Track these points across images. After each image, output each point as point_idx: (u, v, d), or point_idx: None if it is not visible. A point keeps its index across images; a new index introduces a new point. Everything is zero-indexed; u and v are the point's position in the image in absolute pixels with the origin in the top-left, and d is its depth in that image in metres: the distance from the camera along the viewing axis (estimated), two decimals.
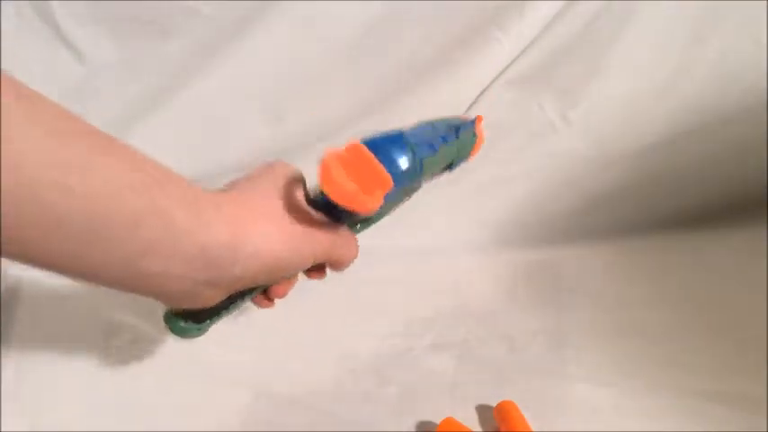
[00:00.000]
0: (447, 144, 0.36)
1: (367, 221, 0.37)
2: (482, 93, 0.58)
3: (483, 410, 0.43)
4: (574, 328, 0.51)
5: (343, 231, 0.33)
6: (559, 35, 0.56)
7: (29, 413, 0.41)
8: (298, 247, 0.29)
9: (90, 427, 0.41)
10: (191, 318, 0.31)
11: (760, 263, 0.55)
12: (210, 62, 0.56)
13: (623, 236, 0.61)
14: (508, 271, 0.59)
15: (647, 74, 0.57)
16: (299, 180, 0.32)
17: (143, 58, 0.56)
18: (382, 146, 0.30)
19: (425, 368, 0.47)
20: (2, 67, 0.54)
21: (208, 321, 0.32)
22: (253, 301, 0.34)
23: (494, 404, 0.43)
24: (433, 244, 0.62)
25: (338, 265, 0.34)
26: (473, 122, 0.40)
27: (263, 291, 0.34)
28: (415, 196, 0.62)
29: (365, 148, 0.29)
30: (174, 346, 0.46)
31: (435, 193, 0.62)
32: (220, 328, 0.33)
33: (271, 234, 0.28)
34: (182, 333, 0.31)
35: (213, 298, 0.28)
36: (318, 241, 0.30)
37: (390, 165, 0.29)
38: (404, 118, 0.58)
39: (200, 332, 0.32)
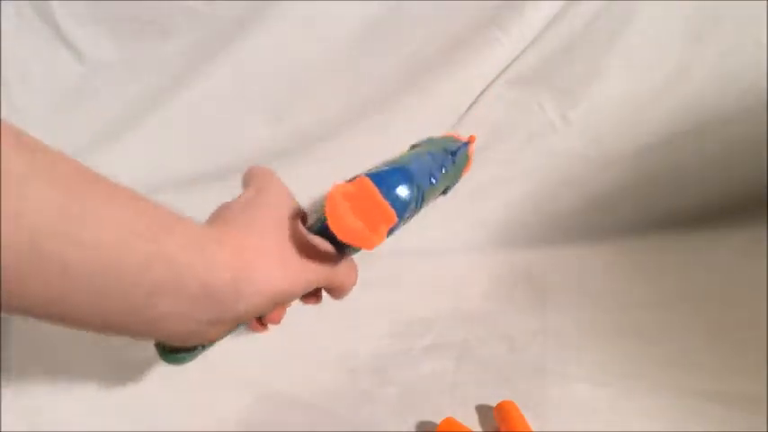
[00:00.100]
0: (446, 172, 0.37)
1: None
2: (482, 93, 0.58)
3: (483, 410, 0.43)
4: (573, 328, 0.51)
5: (343, 258, 0.33)
6: (559, 35, 0.56)
7: (29, 413, 0.41)
8: (300, 278, 0.29)
9: (90, 427, 0.41)
10: (183, 348, 0.30)
11: (760, 263, 0.55)
12: (210, 62, 0.56)
13: (623, 236, 0.61)
14: (508, 271, 0.59)
15: (646, 74, 0.57)
16: (296, 207, 0.32)
17: (143, 58, 0.56)
18: (388, 181, 0.30)
19: (425, 368, 0.47)
20: (2, 67, 0.54)
21: (200, 348, 0.31)
22: (247, 326, 0.34)
23: (494, 404, 0.43)
24: (432, 244, 0.62)
25: (338, 292, 0.34)
26: (466, 144, 0.41)
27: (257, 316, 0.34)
28: None
29: (372, 184, 0.29)
30: None
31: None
32: None
33: (273, 268, 0.28)
34: (174, 362, 0.31)
35: (218, 335, 0.28)
36: (320, 270, 0.30)
37: (395, 201, 0.30)
38: (404, 118, 0.58)
39: (192, 359, 0.32)
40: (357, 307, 0.54)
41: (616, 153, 0.59)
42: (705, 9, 0.55)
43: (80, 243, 0.20)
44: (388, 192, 0.29)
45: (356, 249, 0.33)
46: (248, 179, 0.34)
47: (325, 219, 0.31)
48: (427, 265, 0.60)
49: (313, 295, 0.35)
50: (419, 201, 0.32)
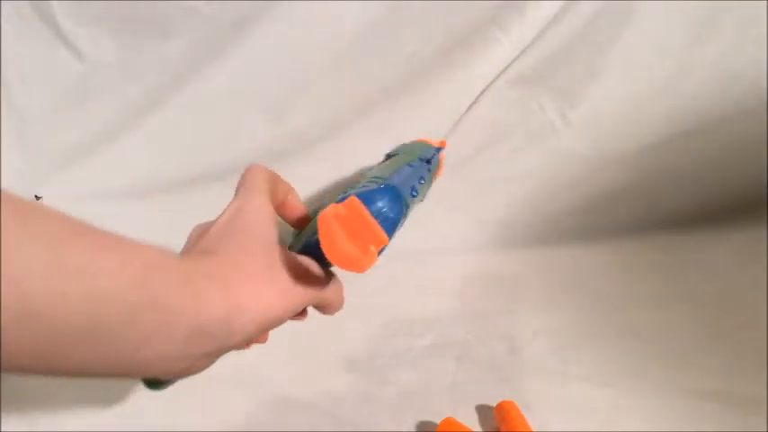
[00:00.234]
0: (424, 182, 0.38)
1: None
2: (482, 93, 0.58)
3: (483, 410, 0.43)
4: (573, 328, 0.51)
5: (330, 275, 0.33)
6: (559, 35, 0.56)
7: (29, 413, 0.41)
8: (290, 300, 0.29)
9: (90, 428, 0.41)
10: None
11: (760, 263, 0.55)
12: (210, 62, 0.56)
13: (623, 236, 0.61)
14: (508, 271, 0.59)
15: (646, 74, 0.57)
16: (276, 224, 0.31)
17: (143, 58, 0.56)
18: (378, 201, 0.30)
19: (425, 368, 0.47)
20: (2, 67, 0.54)
21: None
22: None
23: (494, 404, 0.43)
24: (432, 244, 0.62)
25: (327, 310, 0.34)
26: (439, 151, 0.42)
27: None
28: None
29: (362, 205, 0.29)
30: None
31: (435, 193, 0.63)
32: None
33: (265, 295, 0.27)
34: (157, 389, 0.31)
35: (207, 366, 0.28)
36: (309, 290, 0.30)
37: (386, 221, 0.30)
38: (404, 118, 0.58)
39: (175, 382, 0.31)
40: (357, 307, 0.54)
41: (616, 153, 0.59)
42: (705, 9, 0.55)
43: (65, 297, 0.20)
44: (379, 212, 0.30)
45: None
46: (237, 187, 0.33)
47: (311, 238, 0.31)
48: (427, 265, 0.60)
49: (299, 313, 0.34)
50: (405, 216, 0.33)
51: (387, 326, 0.52)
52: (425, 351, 0.49)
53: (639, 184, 0.61)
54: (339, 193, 0.32)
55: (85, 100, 0.58)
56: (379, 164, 0.43)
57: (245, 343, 0.28)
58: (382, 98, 0.57)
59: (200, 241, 0.29)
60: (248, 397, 0.44)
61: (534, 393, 0.44)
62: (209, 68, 0.56)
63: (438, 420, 0.41)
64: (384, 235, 0.29)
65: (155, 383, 0.30)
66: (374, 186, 0.31)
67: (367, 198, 0.29)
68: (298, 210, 0.35)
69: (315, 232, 0.29)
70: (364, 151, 0.55)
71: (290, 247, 0.33)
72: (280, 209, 0.34)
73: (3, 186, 0.56)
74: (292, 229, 0.36)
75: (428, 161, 0.40)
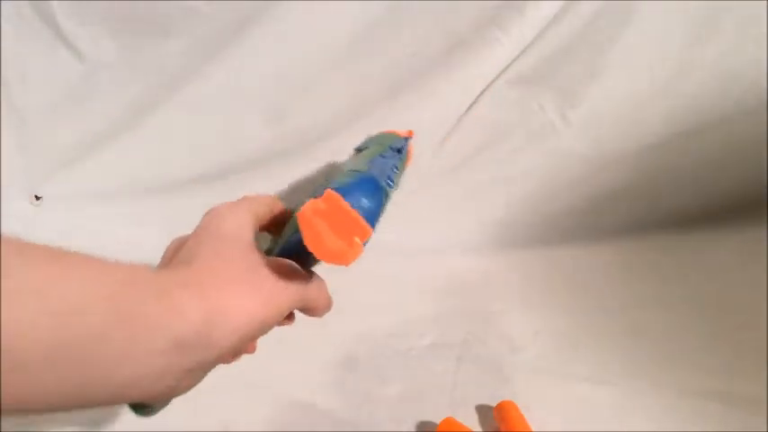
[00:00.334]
0: (398, 172, 0.37)
1: None
2: (482, 93, 0.58)
3: (483, 410, 0.43)
4: (574, 328, 0.51)
5: (312, 276, 0.31)
6: (559, 35, 0.56)
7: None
8: (274, 304, 0.27)
9: (90, 427, 0.41)
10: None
11: (760, 263, 0.55)
12: (210, 62, 0.56)
13: (623, 236, 0.61)
14: (508, 271, 0.59)
15: (646, 74, 0.57)
16: (254, 230, 0.30)
17: (143, 58, 0.56)
18: (357, 193, 0.29)
19: (425, 368, 0.47)
20: (2, 67, 0.54)
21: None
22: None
23: (494, 404, 0.43)
24: (433, 244, 0.62)
25: (315, 312, 0.32)
26: (407, 140, 0.42)
27: None
28: (415, 196, 0.62)
29: (341, 198, 0.28)
30: None
31: (435, 193, 0.63)
32: None
33: (246, 300, 0.26)
34: (146, 415, 0.30)
35: (194, 383, 0.26)
36: (292, 293, 0.29)
37: (366, 213, 0.29)
38: (404, 118, 0.58)
39: (165, 405, 0.31)
40: (357, 307, 0.54)
41: (616, 153, 0.59)
42: (705, 9, 0.55)
43: (21, 320, 0.19)
44: (359, 204, 0.29)
45: (318, 261, 0.32)
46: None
47: (291, 238, 0.30)
48: (427, 265, 0.60)
49: (286, 317, 0.33)
50: (385, 205, 0.32)
51: (387, 326, 0.52)
52: (425, 351, 0.49)
53: (639, 184, 0.61)
54: (313, 190, 0.31)
55: (85, 100, 0.58)
56: (350, 158, 0.42)
57: (232, 354, 0.26)
58: (382, 98, 0.57)
59: (175, 252, 0.28)
60: (248, 397, 0.44)
61: (534, 393, 0.44)
62: (209, 68, 0.56)
63: (438, 420, 0.41)
64: (368, 226, 0.28)
65: (143, 408, 0.29)
66: (351, 179, 0.30)
67: (346, 191, 0.29)
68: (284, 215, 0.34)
69: (294, 231, 0.29)
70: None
71: (269, 252, 0.32)
72: (270, 225, 0.33)
73: (3, 186, 0.56)
74: (270, 236, 0.35)
75: (399, 150, 0.40)
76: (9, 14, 0.54)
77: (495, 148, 0.60)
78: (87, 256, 0.22)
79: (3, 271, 0.19)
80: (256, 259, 0.28)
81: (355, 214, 0.28)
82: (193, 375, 0.25)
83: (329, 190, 0.28)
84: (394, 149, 0.39)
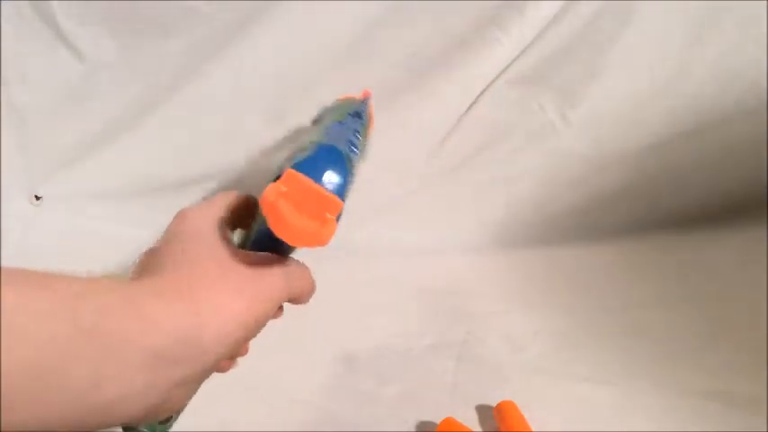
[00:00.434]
0: (361, 137, 0.35)
1: None
2: (482, 93, 0.58)
3: (483, 410, 0.43)
4: (574, 327, 0.51)
5: (292, 262, 0.29)
6: (559, 35, 0.56)
7: None
8: (259, 301, 0.26)
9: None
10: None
11: (760, 263, 0.55)
12: (210, 62, 0.56)
13: (623, 236, 0.61)
14: (508, 271, 0.59)
15: (646, 74, 0.57)
16: (225, 222, 0.29)
17: (143, 58, 0.56)
18: (318, 166, 0.27)
19: (425, 368, 0.47)
20: (2, 67, 0.53)
21: (173, 416, 0.28)
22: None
23: (494, 404, 0.43)
24: (433, 244, 0.62)
25: (300, 299, 0.30)
26: (366, 102, 0.38)
27: None
28: (415, 196, 0.62)
29: (302, 175, 0.26)
30: None
31: (435, 192, 0.63)
32: None
33: (227, 300, 0.24)
34: None
35: (186, 397, 0.24)
36: (276, 285, 0.27)
37: (333, 185, 0.27)
38: (404, 118, 0.58)
39: (168, 428, 0.29)
40: (357, 307, 0.54)
41: (616, 153, 0.59)
42: (705, 9, 0.55)
43: None
44: (322, 177, 0.26)
45: (293, 248, 0.30)
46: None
47: (260, 228, 0.28)
48: (427, 265, 0.60)
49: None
50: (352, 174, 0.29)
51: (386, 326, 0.52)
52: (425, 351, 0.49)
53: (640, 184, 0.61)
54: (273, 174, 0.29)
55: (85, 100, 0.58)
56: (306, 132, 0.40)
57: (226, 359, 0.24)
58: (382, 98, 0.57)
59: (142, 264, 0.26)
60: (248, 397, 0.44)
61: (534, 393, 0.44)
62: (209, 68, 0.56)
63: (438, 420, 0.41)
64: (336, 198, 0.26)
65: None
66: (308, 152, 0.28)
67: (305, 166, 0.26)
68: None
69: (263, 220, 0.27)
70: None
71: (241, 248, 0.30)
72: (246, 220, 0.31)
73: (3, 186, 0.56)
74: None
75: (358, 115, 0.37)
76: (9, 14, 0.54)
77: (495, 148, 0.60)
78: (41, 273, 0.20)
79: None
80: (231, 256, 0.26)
81: (320, 189, 0.26)
82: (185, 389, 0.23)
83: (288, 169, 0.26)
84: (352, 114, 0.36)
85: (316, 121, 0.40)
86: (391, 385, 0.46)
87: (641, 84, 0.57)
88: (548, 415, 0.42)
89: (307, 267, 0.30)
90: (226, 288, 0.24)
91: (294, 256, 0.31)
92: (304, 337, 0.49)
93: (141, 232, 0.59)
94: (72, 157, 0.59)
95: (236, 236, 0.31)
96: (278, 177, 0.26)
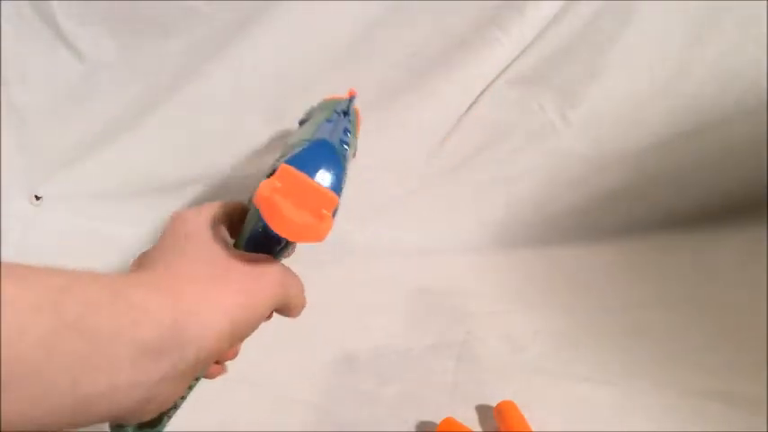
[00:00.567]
0: (350, 134, 0.35)
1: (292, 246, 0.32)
2: (482, 93, 0.58)
3: (483, 410, 0.43)
4: (574, 327, 0.51)
5: (288, 270, 0.29)
6: (559, 35, 0.56)
7: None
8: (250, 302, 0.25)
9: (90, 427, 0.41)
10: (145, 422, 0.26)
11: (760, 262, 0.55)
12: (210, 62, 0.56)
13: (623, 236, 0.61)
14: (508, 271, 0.59)
15: (646, 74, 0.57)
16: (221, 223, 0.28)
17: (143, 58, 0.56)
18: (312, 162, 0.26)
19: (425, 368, 0.47)
20: (2, 67, 0.53)
21: (165, 419, 0.28)
22: (205, 375, 0.31)
23: (494, 404, 0.43)
24: (433, 244, 0.62)
25: (293, 310, 0.29)
26: (352, 100, 0.38)
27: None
28: (415, 196, 0.62)
29: (297, 171, 0.25)
30: None
31: (435, 192, 0.63)
32: None
33: (217, 298, 0.24)
34: None
35: (174, 395, 0.23)
36: (271, 285, 0.26)
37: (328, 180, 0.26)
38: (404, 118, 0.58)
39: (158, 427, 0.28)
40: (357, 307, 0.54)
41: (616, 153, 0.59)
42: (705, 9, 0.55)
43: None
44: (316, 172, 0.26)
45: (288, 249, 0.30)
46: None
47: (255, 227, 0.28)
48: (427, 265, 0.60)
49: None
50: (346, 170, 0.29)
51: (386, 326, 0.52)
52: (425, 351, 0.49)
53: (640, 184, 0.61)
54: (267, 171, 0.28)
55: (85, 100, 0.58)
56: (294, 132, 0.39)
57: (210, 359, 0.24)
58: (382, 98, 0.57)
59: (137, 262, 0.26)
60: (248, 397, 0.44)
61: (534, 393, 0.44)
62: (209, 68, 0.56)
63: (438, 420, 0.41)
64: (332, 194, 0.26)
65: (121, 429, 0.27)
66: (302, 148, 0.28)
67: (299, 161, 0.26)
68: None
69: (257, 220, 0.26)
70: (364, 151, 0.55)
71: (236, 246, 0.30)
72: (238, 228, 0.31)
73: (3, 186, 0.56)
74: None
75: (345, 113, 0.37)
76: (9, 14, 0.54)
77: (495, 148, 0.60)
78: (24, 266, 0.20)
79: None
80: (226, 256, 0.26)
81: (316, 184, 0.26)
82: (171, 385, 0.23)
83: (282, 164, 0.25)
84: (339, 113, 0.36)
85: (303, 122, 0.40)
86: (391, 385, 0.46)
87: (641, 84, 0.57)
88: (548, 415, 0.42)
89: (299, 279, 0.29)
90: (216, 284, 0.24)
91: (293, 258, 0.31)
92: (304, 337, 0.49)
93: (141, 232, 0.59)
94: (72, 157, 0.59)
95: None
96: (271, 174, 0.26)
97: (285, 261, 0.30)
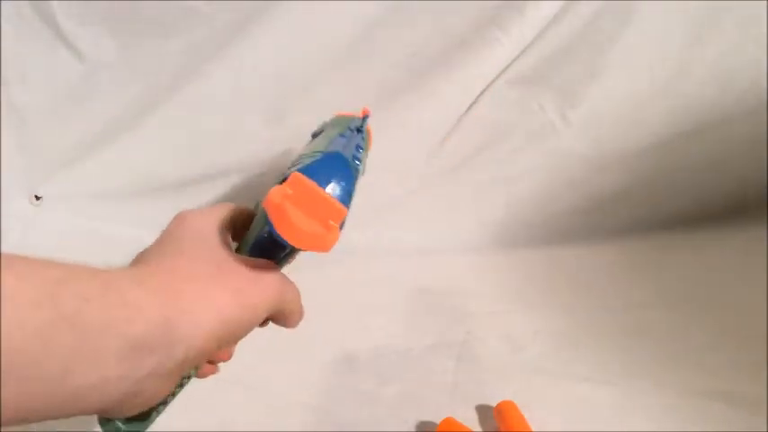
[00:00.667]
0: (363, 151, 0.35)
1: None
2: (482, 93, 0.58)
3: (483, 410, 0.43)
4: (574, 327, 0.51)
5: (283, 275, 0.28)
6: (559, 35, 0.56)
7: None
8: (246, 305, 0.25)
9: (90, 427, 0.41)
10: (133, 417, 0.26)
11: (761, 262, 0.55)
12: (210, 62, 0.56)
13: (623, 236, 0.61)
14: (508, 271, 0.59)
15: (646, 74, 0.57)
16: (226, 227, 0.28)
17: (143, 58, 0.56)
18: (325, 173, 0.27)
19: (425, 368, 0.47)
20: (2, 67, 0.53)
21: (154, 414, 0.28)
22: (197, 374, 0.31)
23: (494, 404, 0.43)
24: (433, 244, 0.62)
25: (289, 320, 0.29)
26: (366, 119, 0.39)
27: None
28: (415, 196, 0.62)
29: (309, 180, 0.25)
30: None
31: (435, 192, 0.63)
32: None
33: (212, 298, 0.24)
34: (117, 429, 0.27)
35: (161, 390, 0.23)
36: (268, 290, 0.26)
37: (338, 192, 0.27)
38: (404, 118, 0.58)
39: (146, 427, 0.28)
40: (357, 307, 0.54)
41: (616, 153, 0.59)
42: (705, 9, 0.55)
43: None
44: (328, 183, 0.26)
45: (290, 257, 0.30)
46: None
47: (260, 233, 0.28)
48: (427, 265, 0.60)
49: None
50: (355, 185, 0.29)
51: (386, 326, 0.52)
52: (425, 351, 0.49)
53: (640, 184, 0.61)
54: (279, 177, 0.28)
55: (85, 100, 0.58)
56: (307, 143, 0.40)
57: (200, 358, 0.23)
58: (382, 98, 0.57)
59: (137, 257, 0.26)
60: (248, 397, 0.44)
61: (534, 393, 0.44)
62: (209, 68, 0.56)
63: (438, 420, 0.41)
64: (341, 206, 0.26)
65: (109, 423, 0.27)
66: (315, 159, 0.28)
67: (312, 171, 0.26)
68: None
69: (263, 225, 0.26)
70: None
71: (237, 251, 0.30)
72: (242, 232, 0.31)
73: (3, 186, 0.56)
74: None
75: (359, 130, 0.37)
76: (9, 14, 0.54)
77: (495, 148, 0.60)
78: (20, 257, 0.20)
79: None
80: (225, 257, 0.26)
81: (326, 195, 0.26)
82: (159, 381, 0.23)
83: (294, 172, 0.26)
84: (353, 129, 0.37)
85: (315, 134, 0.41)
86: (391, 385, 0.46)
87: (641, 84, 0.57)
88: (548, 415, 0.42)
89: (298, 290, 0.29)
90: (213, 285, 0.24)
91: (292, 263, 0.31)
92: (304, 338, 0.49)
93: (141, 232, 0.59)
94: (72, 157, 0.59)
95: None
96: (283, 181, 0.26)
97: (285, 266, 0.30)
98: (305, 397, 0.45)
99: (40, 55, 0.56)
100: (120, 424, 0.27)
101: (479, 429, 0.42)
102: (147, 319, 0.21)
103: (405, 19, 0.55)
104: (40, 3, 0.54)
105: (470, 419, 0.42)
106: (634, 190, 0.61)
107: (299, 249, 0.26)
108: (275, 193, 0.25)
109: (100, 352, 0.20)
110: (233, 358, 0.45)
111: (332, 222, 0.25)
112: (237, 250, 0.30)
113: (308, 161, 0.28)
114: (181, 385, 0.29)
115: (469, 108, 0.59)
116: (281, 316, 0.28)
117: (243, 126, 0.59)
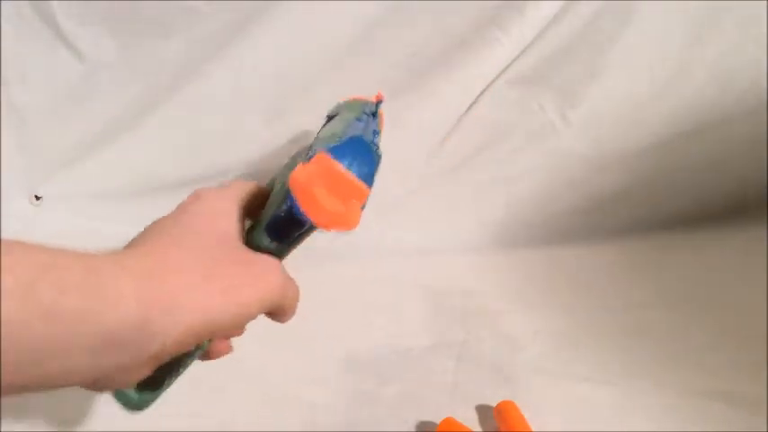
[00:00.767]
0: (378, 135, 0.35)
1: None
2: (482, 93, 0.58)
3: (483, 410, 0.43)
4: (574, 327, 0.51)
5: (285, 272, 0.28)
6: (559, 35, 0.56)
7: (29, 413, 0.41)
8: (239, 301, 0.24)
9: (91, 427, 0.41)
10: (145, 387, 0.26)
11: (760, 263, 0.55)
12: (210, 62, 0.56)
13: (623, 236, 0.61)
14: (508, 271, 0.59)
15: (646, 74, 0.57)
16: (239, 219, 0.27)
17: (143, 58, 0.56)
18: (350, 153, 0.27)
19: (425, 368, 0.47)
20: (2, 66, 0.53)
21: (165, 383, 0.29)
22: (209, 357, 0.31)
23: (494, 404, 0.43)
24: (433, 244, 0.62)
25: (283, 316, 0.28)
26: (378, 104, 0.39)
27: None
28: (415, 196, 0.62)
29: (335, 161, 0.26)
30: None
31: (435, 193, 0.63)
32: None
33: (200, 291, 0.23)
34: (135, 408, 0.28)
35: (136, 377, 0.23)
36: (267, 289, 0.25)
37: (362, 173, 0.27)
38: (404, 118, 0.58)
39: (158, 396, 0.29)
40: (357, 306, 0.54)
41: (616, 153, 0.59)
42: (705, 9, 0.55)
43: None
44: (352, 164, 0.27)
45: (292, 247, 0.30)
46: None
47: (278, 211, 0.27)
48: (427, 265, 0.60)
49: None
50: (377, 168, 0.30)
51: (386, 326, 0.52)
52: (425, 351, 0.49)
53: (640, 184, 0.61)
54: (294, 158, 0.28)
55: (85, 100, 0.58)
56: (323, 126, 0.40)
57: (180, 347, 0.23)
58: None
59: (138, 234, 0.25)
60: (248, 396, 0.44)
61: (534, 393, 0.44)
62: (209, 68, 0.56)
63: (438, 420, 0.41)
64: (365, 186, 0.26)
65: (132, 402, 0.27)
66: (338, 141, 0.28)
67: (337, 152, 0.26)
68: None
69: (281, 203, 0.26)
70: None
71: (250, 230, 0.29)
72: (256, 211, 0.30)
73: (3, 186, 0.56)
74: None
75: (373, 114, 0.38)
76: (9, 14, 0.54)
77: (495, 148, 0.60)
78: (11, 242, 0.20)
79: None
80: (228, 251, 0.25)
81: (351, 176, 0.26)
82: (128, 373, 0.22)
83: (320, 152, 0.26)
84: (368, 114, 0.37)
85: (330, 117, 0.40)
86: (391, 385, 0.46)
87: (641, 84, 0.57)
88: (548, 415, 0.42)
89: (296, 284, 0.29)
90: (203, 278, 0.23)
91: (292, 258, 0.31)
92: (304, 337, 0.49)
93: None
94: (72, 157, 0.59)
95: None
96: (308, 161, 0.26)
97: (285, 262, 0.30)
98: (305, 396, 0.45)
99: (40, 55, 0.56)
100: (132, 394, 0.28)
101: (479, 429, 0.42)
102: (123, 312, 0.20)
103: (405, 19, 0.55)
104: (40, 3, 0.54)
105: (470, 419, 0.42)
106: (634, 190, 0.61)
107: (317, 228, 0.26)
108: (300, 172, 0.25)
109: (71, 345, 0.20)
110: (231, 358, 0.45)
111: (355, 202, 0.26)
112: (252, 228, 0.30)
113: (332, 142, 0.28)
114: (192, 355, 0.29)
115: (469, 108, 0.59)
116: (279, 311, 0.28)
117: (243, 126, 0.59)
